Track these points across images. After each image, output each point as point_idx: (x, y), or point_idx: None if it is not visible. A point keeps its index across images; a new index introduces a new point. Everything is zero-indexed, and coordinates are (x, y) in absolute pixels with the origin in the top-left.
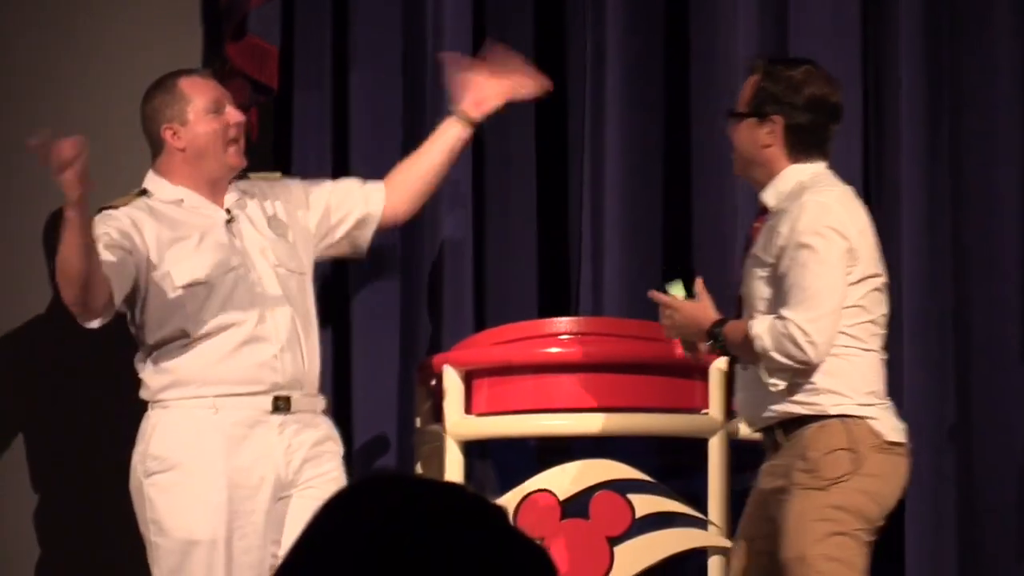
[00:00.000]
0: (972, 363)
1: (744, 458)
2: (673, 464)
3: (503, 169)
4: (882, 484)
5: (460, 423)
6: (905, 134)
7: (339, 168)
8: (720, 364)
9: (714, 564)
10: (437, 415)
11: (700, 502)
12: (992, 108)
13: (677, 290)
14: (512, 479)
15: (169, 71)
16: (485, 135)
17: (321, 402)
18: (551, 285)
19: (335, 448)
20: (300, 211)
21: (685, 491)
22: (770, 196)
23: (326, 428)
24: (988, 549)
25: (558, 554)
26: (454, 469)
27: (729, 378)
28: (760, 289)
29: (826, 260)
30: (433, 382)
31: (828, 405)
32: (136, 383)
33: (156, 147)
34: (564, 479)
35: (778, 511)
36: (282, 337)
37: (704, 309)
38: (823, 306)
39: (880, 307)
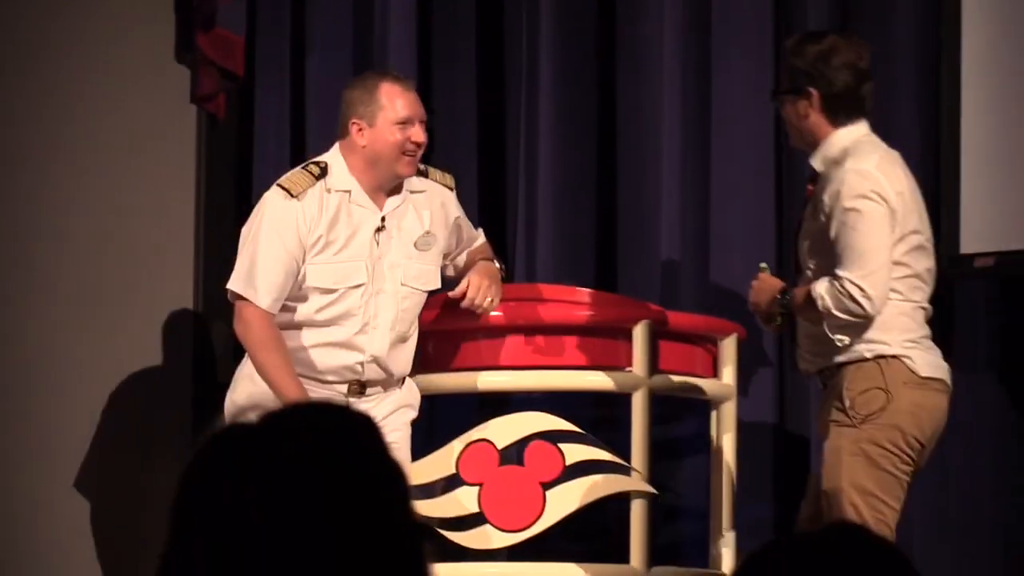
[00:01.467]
0: None
1: (664, 411)
2: (600, 416)
3: (448, 157)
4: (916, 418)
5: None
6: None
7: (296, 143)
8: (643, 325)
9: (636, 507)
10: None
11: (624, 451)
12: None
13: (763, 271)
14: (455, 429)
15: (144, 58)
16: (433, 133)
17: (397, 382)
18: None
19: (405, 416)
20: (447, 233)
21: (611, 441)
22: (818, 162)
23: (398, 398)
24: None
25: (495, 498)
26: None
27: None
28: (813, 249)
29: (871, 221)
30: None
31: (864, 350)
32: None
33: (343, 131)
34: (502, 430)
35: (824, 449)
36: (374, 350)
37: (774, 280)
38: (874, 262)
39: (922, 262)
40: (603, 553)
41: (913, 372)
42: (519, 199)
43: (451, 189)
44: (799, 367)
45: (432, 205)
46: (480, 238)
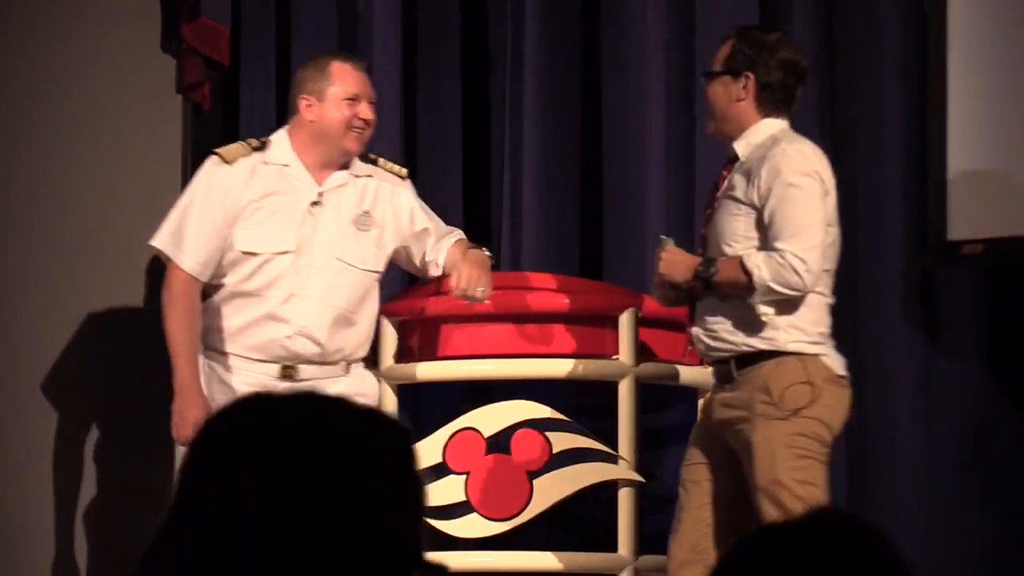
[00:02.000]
0: None
1: (650, 399)
2: (587, 405)
3: (432, 149)
4: (834, 413)
5: (395, 368)
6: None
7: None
8: (629, 314)
9: (624, 495)
10: (374, 361)
11: (611, 439)
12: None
13: (668, 243)
14: (441, 418)
15: (129, 48)
16: (417, 116)
17: (341, 368)
18: (476, 242)
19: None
20: (397, 222)
21: (597, 429)
22: (741, 147)
23: (347, 385)
24: None
25: (482, 486)
26: (389, 409)
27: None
28: (736, 227)
29: (812, 199)
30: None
31: (786, 341)
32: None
33: (292, 110)
34: (488, 418)
35: (738, 441)
36: (300, 322)
37: (687, 254)
38: (814, 238)
39: (833, 257)
40: (590, 542)
41: (830, 369)
42: (504, 191)
43: (403, 178)
44: (693, 343)
45: (379, 191)
46: (457, 234)
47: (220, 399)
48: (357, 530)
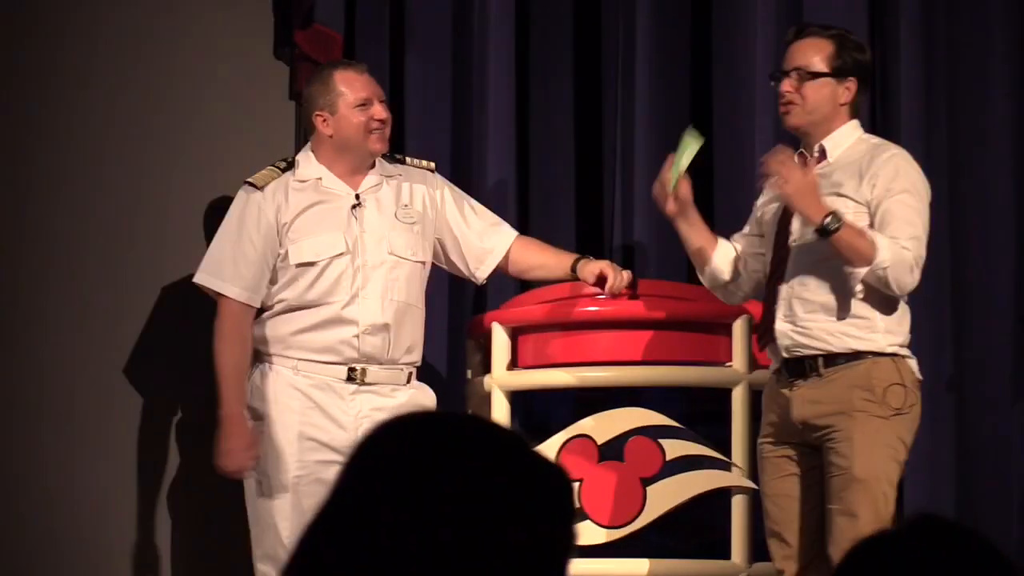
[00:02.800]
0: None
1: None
2: (700, 412)
3: (545, 154)
4: (918, 420)
5: (507, 375)
6: (904, 110)
7: (395, 140)
8: (742, 321)
9: (737, 503)
10: (486, 368)
11: (724, 446)
12: (984, 80)
13: (694, 141)
14: (554, 426)
15: (243, 54)
16: (530, 132)
17: (404, 375)
18: (587, 249)
19: None
20: (436, 211)
21: (711, 436)
22: (831, 146)
23: (410, 396)
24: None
25: (595, 494)
26: (501, 417)
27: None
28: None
29: (926, 209)
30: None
31: (884, 343)
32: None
33: (309, 129)
34: (601, 425)
35: (829, 435)
36: (367, 320)
37: (815, 181)
38: (924, 247)
39: None
40: (704, 549)
41: (915, 373)
42: (615, 197)
43: (432, 171)
44: (775, 344)
45: (411, 182)
46: (507, 230)
47: (289, 402)
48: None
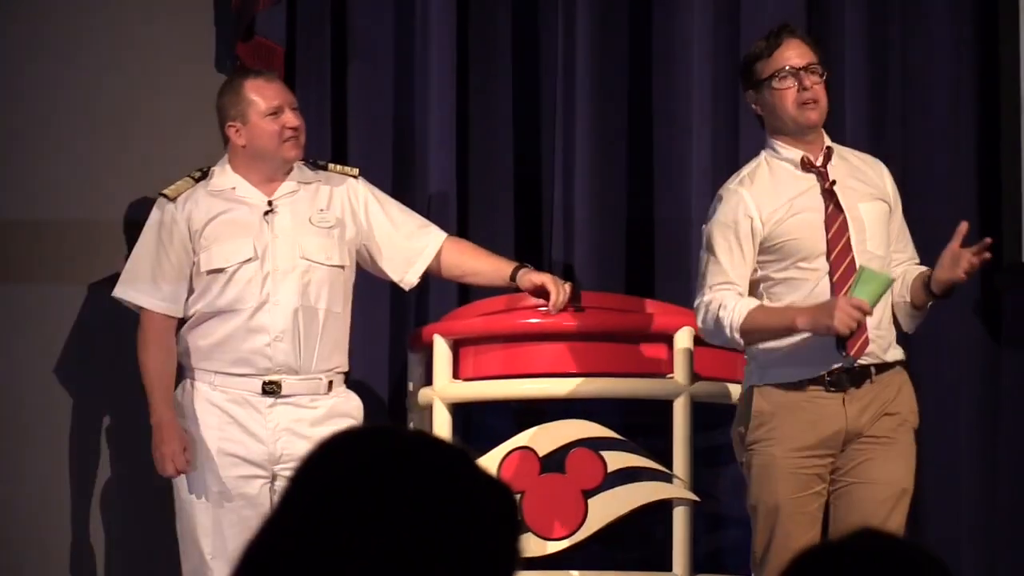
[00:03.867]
0: None
1: (705, 418)
2: (641, 424)
3: (485, 163)
4: None
5: (448, 387)
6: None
7: (337, 150)
8: (683, 333)
9: (678, 514)
10: (428, 379)
11: (666, 458)
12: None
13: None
14: (495, 438)
15: (184, 67)
16: (470, 141)
17: (324, 385)
18: (526, 260)
19: (341, 424)
20: (355, 215)
21: (652, 448)
22: (836, 149)
23: (331, 406)
24: None
25: (537, 506)
26: (443, 429)
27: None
28: (882, 224)
29: None
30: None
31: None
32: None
33: (224, 139)
34: (543, 437)
35: (881, 443)
36: (278, 327)
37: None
38: None
39: None
40: (646, 561)
41: None
42: (554, 207)
43: (355, 177)
44: (863, 352)
45: (332, 190)
46: (436, 232)
47: (206, 418)
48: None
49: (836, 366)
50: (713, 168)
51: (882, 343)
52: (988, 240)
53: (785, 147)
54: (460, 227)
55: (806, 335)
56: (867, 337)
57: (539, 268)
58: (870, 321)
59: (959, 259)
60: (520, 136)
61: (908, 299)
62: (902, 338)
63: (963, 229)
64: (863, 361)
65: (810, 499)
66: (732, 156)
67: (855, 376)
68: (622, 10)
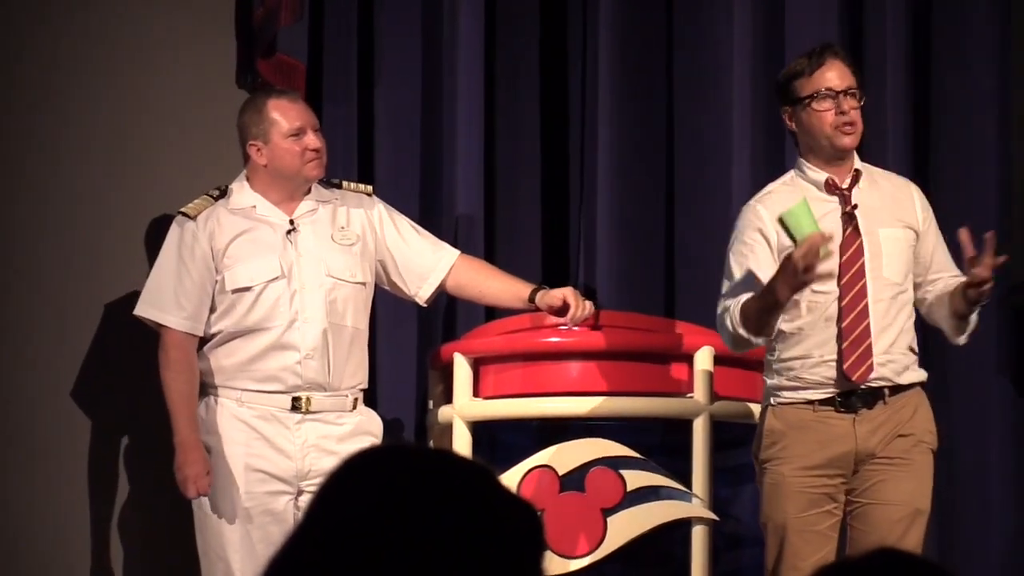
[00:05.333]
0: None
1: (725, 437)
2: (661, 443)
3: (512, 184)
4: None
5: (468, 405)
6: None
7: (364, 170)
8: (703, 352)
9: (697, 533)
10: (448, 398)
11: (685, 477)
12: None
13: (806, 215)
14: (515, 456)
15: (205, 83)
16: (497, 163)
17: (350, 401)
18: (552, 282)
19: (364, 442)
20: (374, 232)
21: (672, 467)
22: (865, 172)
23: (357, 423)
24: None
25: (556, 524)
26: (463, 447)
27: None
28: (910, 256)
29: None
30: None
31: (924, 374)
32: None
33: (245, 157)
34: (562, 456)
35: (895, 464)
36: (308, 345)
37: None
38: None
39: None
40: None
41: None
42: (580, 228)
43: (369, 195)
44: (868, 377)
45: (348, 206)
46: (450, 249)
47: (233, 434)
48: None
49: (848, 388)
50: (739, 190)
51: (895, 367)
52: (991, 232)
53: (812, 168)
54: (487, 248)
55: (818, 358)
56: (872, 363)
57: (565, 284)
58: (879, 346)
59: (974, 262)
60: (548, 157)
61: (947, 312)
62: (931, 360)
63: (971, 237)
64: (875, 384)
65: (819, 518)
66: (758, 177)
67: (866, 398)
68: (650, 28)
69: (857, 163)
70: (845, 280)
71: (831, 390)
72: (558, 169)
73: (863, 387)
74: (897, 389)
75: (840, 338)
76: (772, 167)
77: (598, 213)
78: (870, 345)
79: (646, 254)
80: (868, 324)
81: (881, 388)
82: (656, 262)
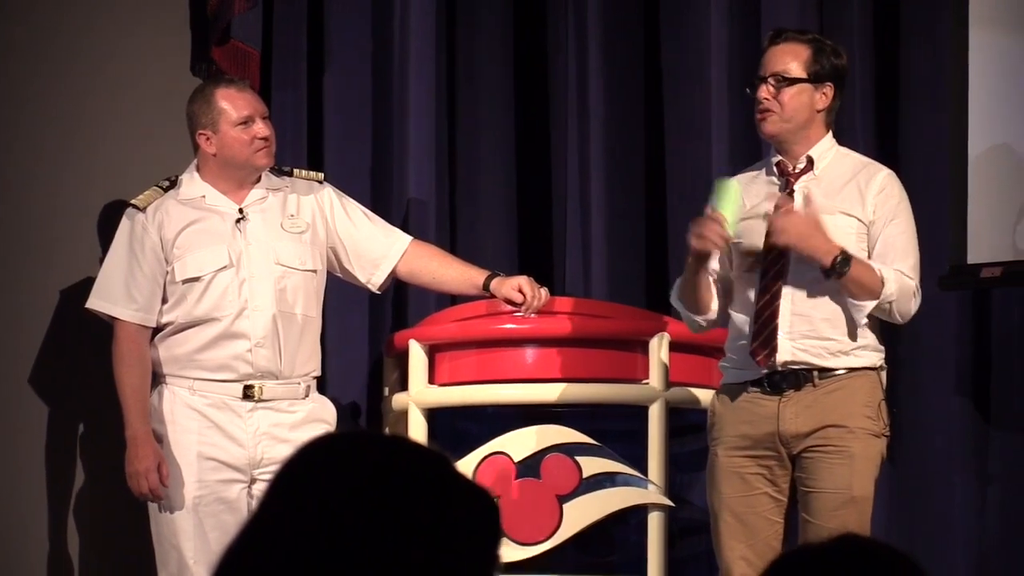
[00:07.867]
0: None
1: (681, 423)
2: (616, 429)
3: (470, 179)
4: None
5: (424, 392)
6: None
7: (313, 157)
8: (658, 338)
9: (653, 519)
10: (403, 385)
11: (640, 464)
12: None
13: (733, 188)
14: (470, 443)
15: (158, 70)
16: (457, 149)
17: (302, 389)
18: (523, 269)
19: (318, 429)
20: (324, 219)
21: (627, 454)
22: (819, 157)
23: (309, 411)
24: None
25: (513, 511)
26: (418, 434)
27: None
28: (849, 243)
29: (913, 229)
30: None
31: (874, 359)
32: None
33: (194, 146)
34: (518, 443)
35: (826, 450)
36: (258, 333)
37: (824, 230)
38: (918, 272)
39: None
40: (620, 566)
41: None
42: (567, 219)
43: (320, 182)
44: (773, 358)
45: (298, 193)
46: (402, 235)
47: (185, 423)
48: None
49: (774, 369)
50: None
51: (820, 349)
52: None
53: (774, 152)
54: (439, 234)
55: (745, 339)
56: (775, 345)
57: (552, 286)
58: (796, 330)
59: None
60: (511, 143)
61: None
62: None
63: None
64: (802, 366)
65: (757, 500)
66: (751, 161)
67: (792, 379)
68: (631, 16)
69: (818, 149)
70: (766, 263)
71: (760, 371)
72: (524, 156)
73: (782, 368)
74: (827, 372)
75: (752, 320)
76: (750, 155)
77: (592, 205)
78: (776, 328)
79: (636, 243)
80: (777, 307)
81: (810, 370)
82: (648, 254)
